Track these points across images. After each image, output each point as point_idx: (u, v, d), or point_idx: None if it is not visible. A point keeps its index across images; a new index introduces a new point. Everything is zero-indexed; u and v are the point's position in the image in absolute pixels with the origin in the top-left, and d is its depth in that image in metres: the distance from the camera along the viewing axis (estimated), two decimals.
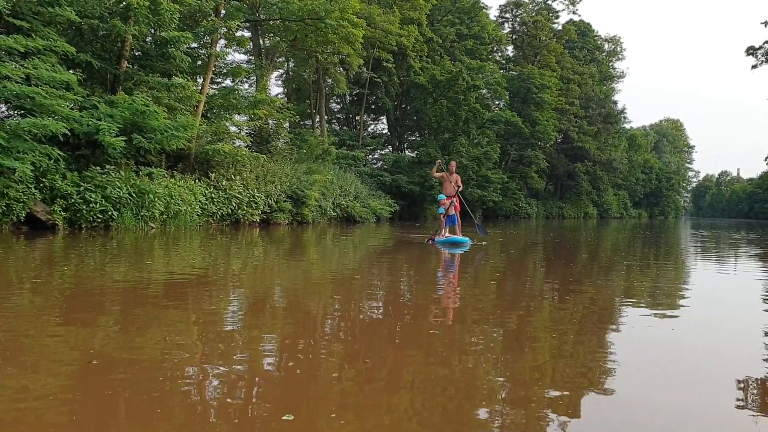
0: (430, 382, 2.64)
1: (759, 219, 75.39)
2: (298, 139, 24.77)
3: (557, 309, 4.74)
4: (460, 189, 12.13)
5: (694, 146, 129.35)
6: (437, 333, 3.66)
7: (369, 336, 3.57)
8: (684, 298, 5.56)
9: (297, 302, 4.85)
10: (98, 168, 12.37)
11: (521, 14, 54.77)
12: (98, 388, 2.42)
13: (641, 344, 3.49)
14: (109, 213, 12.08)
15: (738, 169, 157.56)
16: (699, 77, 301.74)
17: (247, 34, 23.73)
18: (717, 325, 4.20)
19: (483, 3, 43.62)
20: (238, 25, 18.28)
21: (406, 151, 38.01)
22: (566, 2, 56.21)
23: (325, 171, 21.66)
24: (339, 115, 39.01)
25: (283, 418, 2.14)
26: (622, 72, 72.79)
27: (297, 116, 27.17)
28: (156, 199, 12.93)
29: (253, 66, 23.30)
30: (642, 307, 4.80)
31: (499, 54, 53.05)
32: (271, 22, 22.60)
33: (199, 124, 16.08)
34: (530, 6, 55.40)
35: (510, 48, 54.77)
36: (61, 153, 11.45)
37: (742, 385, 2.67)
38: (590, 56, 63.55)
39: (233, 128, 19.74)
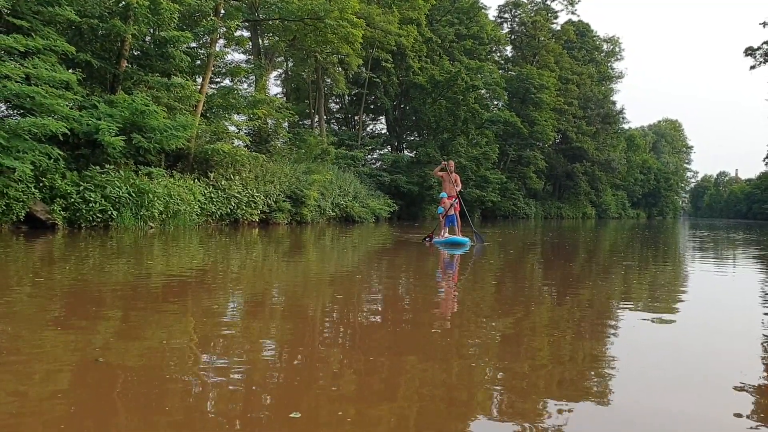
0: (433, 381, 2.66)
1: (757, 219, 75.54)
2: (297, 138, 24.79)
3: (557, 310, 4.76)
4: (460, 189, 12.09)
5: (692, 147, 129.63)
6: (439, 332, 3.68)
7: (371, 335, 3.59)
8: (683, 299, 5.59)
9: (298, 302, 4.87)
10: (98, 167, 12.38)
11: (520, 14, 54.84)
12: (103, 387, 2.44)
13: (641, 346, 3.51)
14: (109, 212, 12.09)
15: (736, 170, 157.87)
16: (698, 78, 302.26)
17: (246, 33, 23.74)
18: (717, 327, 4.23)
19: (482, 3, 43.67)
20: (237, 25, 18.29)
21: (405, 151, 38.05)
22: (565, 2, 56.32)
23: (324, 171, 21.68)
24: (338, 115, 39.03)
25: (290, 415, 2.16)
26: (621, 72, 73.07)
27: (296, 116, 27.18)
28: (155, 198, 12.94)
29: (252, 66, 23.31)
30: (642, 308, 4.83)
31: (498, 54, 53.13)
32: (271, 22, 22.61)
33: (199, 124, 16.10)
34: (529, 6, 55.47)
35: (509, 48, 54.85)
36: (61, 152, 11.46)
37: (741, 388, 2.69)
38: (589, 56, 63.64)
39: (232, 128, 19.76)
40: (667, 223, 52.24)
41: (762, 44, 46.41)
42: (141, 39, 15.50)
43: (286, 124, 25.55)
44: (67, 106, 11.65)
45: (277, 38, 23.51)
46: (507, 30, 54.67)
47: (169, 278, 5.91)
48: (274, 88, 35.76)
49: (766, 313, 4.74)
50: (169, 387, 2.48)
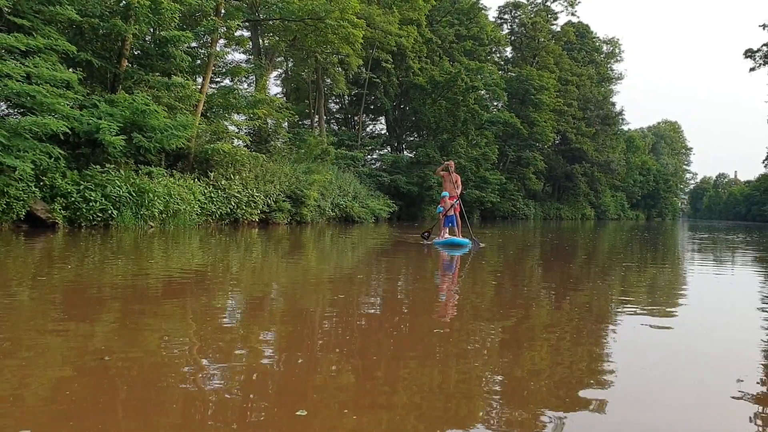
0: (437, 381, 2.68)
1: (756, 221, 75.63)
2: (297, 138, 24.81)
3: (557, 311, 4.78)
4: (461, 189, 12.06)
5: (691, 148, 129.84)
6: (442, 332, 3.70)
7: (373, 334, 3.60)
8: (682, 301, 5.61)
9: (300, 302, 4.88)
10: (98, 167, 12.39)
11: (520, 15, 54.90)
12: (112, 384, 2.45)
13: (641, 347, 3.53)
14: (109, 212, 12.10)
15: (735, 172, 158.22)
16: (697, 79, 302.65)
17: (246, 33, 23.76)
18: (716, 329, 4.25)
19: (482, 4, 43.76)
20: (238, 25, 18.31)
21: (405, 152, 38.08)
22: (565, 4, 56.38)
23: (324, 171, 21.70)
24: (338, 115, 39.05)
25: (297, 413, 2.18)
26: (621, 74, 73.06)
27: (296, 116, 27.21)
28: (155, 198, 12.96)
29: (252, 66, 23.33)
30: (641, 310, 4.85)
31: (498, 55, 53.20)
32: (271, 22, 22.63)
33: (199, 124, 16.11)
34: (529, 7, 55.53)
35: (508, 49, 54.93)
36: (62, 152, 11.47)
37: (739, 390, 2.71)
38: (589, 58, 63.73)
39: (232, 128, 19.78)
40: (666, 224, 52.32)
41: (762, 46, 46.53)
42: (142, 38, 15.51)
43: (286, 124, 25.58)
44: (67, 105, 11.66)
45: (278, 38, 23.53)
46: (507, 31, 54.76)
47: (170, 278, 5.93)
48: (274, 88, 35.84)
49: (764, 315, 4.76)
50: (176, 385, 2.50)
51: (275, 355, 3.11)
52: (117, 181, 12.35)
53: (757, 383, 2.80)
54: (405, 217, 31.59)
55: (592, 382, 2.79)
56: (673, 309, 4.98)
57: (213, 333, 3.53)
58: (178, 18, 14.97)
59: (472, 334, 3.73)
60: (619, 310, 4.83)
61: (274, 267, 7.67)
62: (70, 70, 12.46)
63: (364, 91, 33.38)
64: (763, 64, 46.95)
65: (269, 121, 22.21)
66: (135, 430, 2.03)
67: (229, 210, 16.28)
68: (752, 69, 47.72)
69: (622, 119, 67.67)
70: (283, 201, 18.56)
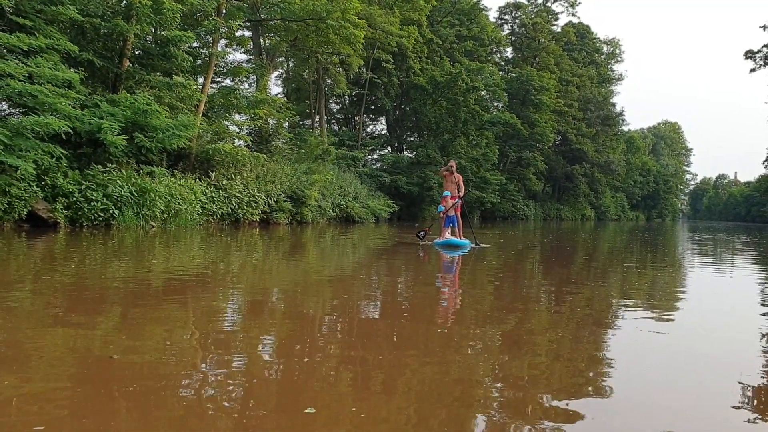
0: (441, 380, 2.70)
1: (756, 222, 75.66)
2: (297, 139, 24.82)
3: (558, 312, 4.80)
4: (462, 190, 12.03)
5: (691, 149, 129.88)
6: (445, 332, 3.72)
7: (376, 334, 3.62)
8: (682, 302, 5.64)
9: (306, 300, 4.90)
10: (100, 166, 12.41)
11: (520, 16, 54.92)
12: (120, 383, 2.47)
13: (641, 348, 3.55)
14: (111, 211, 12.12)
15: (735, 172, 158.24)
16: (697, 80, 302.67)
17: (247, 33, 23.79)
18: (716, 330, 4.27)
19: (482, 5, 43.78)
20: (239, 25, 18.33)
21: (405, 152, 38.10)
22: (565, 4, 56.39)
23: (325, 171, 21.72)
24: (338, 116, 39.07)
25: (306, 411, 2.21)
26: (621, 74, 73.16)
27: (297, 116, 27.23)
28: (157, 197, 12.98)
29: (253, 66, 23.35)
30: (641, 311, 4.87)
31: (498, 56, 53.23)
32: (272, 22, 22.65)
33: (200, 124, 16.13)
34: (529, 8, 55.55)
35: (509, 50, 54.94)
36: (63, 151, 11.48)
37: (739, 390, 2.73)
38: (589, 58, 63.77)
39: (233, 128, 19.79)
40: (666, 225, 52.31)
41: (762, 47, 46.54)
42: (143, 38, 15.54)
43: (286, 124, 25.60)
44: (69, 105, 11.67)
45: (279, 38, 23.55)
46: (507, 31, 54.77)
47: (172, 277, 5.95)
48: (275, 88, 35.80)
49: (764, 317, 4.78)
50: (186, 383, 2.52)
51: (282, 354, 3.13)
52: (118, 181, 12.37)
53: (757, 384, 2.82)
54: (405, 217, 31.61)
55: (592, 382, 2.81)
56: (672, 310, 5.00)
57: (220, 333, 3.55)
58: (179, 18, 14.99)
59: (473, 335, 3.75)
60: (619, 311, 4.85)
61: (275, 267, 7.69)
62: (72, 69, 12.47)
63: (364, 91, 33.40)
64: (764, 65, 46.96)
65: (270, 121, 22.24)
66: (148, 425, 2.06)
67: (230, 210, 16.31)
68: (752, 70, 47.74)
69: (623, 120, 67.73)
70: (284, 201, 18.58)
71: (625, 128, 74.53)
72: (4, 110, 12.69)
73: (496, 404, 2.44)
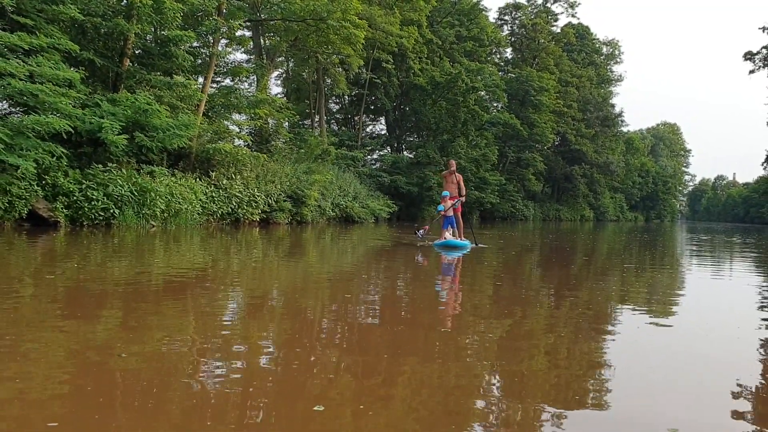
0: (445, 377, 2.72)
1: (754, 223, 75.77)
2: (297, 138, 24.84)
3: (557, 312, 4.83)
4: (463, 191, 12.03)
5: (690, 150, 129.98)
6: (447, 332, 3.74)
7: (382, 333, 3.65)
8: (681, 303, 5.66)
9: (312, 299, 4.93)
10: (100, 166, 12.43)
11: (520, 17, 54.98)
12: (129, 380, 2.49)
13: (641, 349, 3.57)
14: (111, 211, 12.13)
15: (734, 174, 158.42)
16: (696, 81, 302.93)
17: (247, 33, 23.80)
18: (715, 330, 4.30)
19: (482, 5, 43.80)
20: (240, 25, 18.34)
21: (405, 152, 38.12)
22: (565, 5, 56.47)
23: (325, 171, 21.74)
24: (338, 116, 39.08)
25: (315, 408, 2.24)
26: (620, 75, 73.19)
27: (296, 116, 27.24)
28: (157, 197, 12.99)
29: (253, 66, 23.36)
30: (641, 311, 4.90)
31: (498, 56, 53.28)
32: (273, 22, 22.66)
33: (200, 123, 16.14)
34: (529, 9, 55.62)
35: (509, 50, 55.01)
36: (64, 150, 11.49)
37: (738, 391, 2.76)
38: (588, 59, 63.85)
39: (234, 127, 19.80)
40: (664, 226, 52.38)
41: (761, 49, 46.63)
42: (144, 38, 15.55)
43: (286, 124, 25.61)
44: (70, 104, 11.68)
45: (279, 38, 23.56)
46: (507, 32, 54.82)
47: (174, 277, 5.97)
48: (275, 88, 35.80)
49: (762, 316, 4.81)
50: (196, 381, 2.55)
51: (289, 353, 3.15)
52: (119, 180, 12.38)
53: (757, 384, 2.84)
54: (405, 217, 31.63)
55: (592, 382, 2.84)
56: (672, 310, 5.02)
57: (225, 332, 3.58)
58: (180, 17, 15.00)
59: (475, 334, 3.78)
60: (619, 311, 4.88)
61: (275, 267, 7.71)
62: (73, 69, 12.49)
63: (364, 91, 33.42)
64: (763, 67, 47.07)
65: (270, 121, 22.25)
66: (157, 422, 2.08)
67: (230, 210, 16.32)
68: (752, 71, 47.87)
69: (622, 121, 67.79)
70: (284, 201, 18.59)
71: (625, 129, 74.61)
72: (5, 109, 12.69)
73: (496, 404, 2.46)
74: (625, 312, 4.81)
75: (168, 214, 13.53)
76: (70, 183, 11.75)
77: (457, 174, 12.13)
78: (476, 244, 11.42)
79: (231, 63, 22.40)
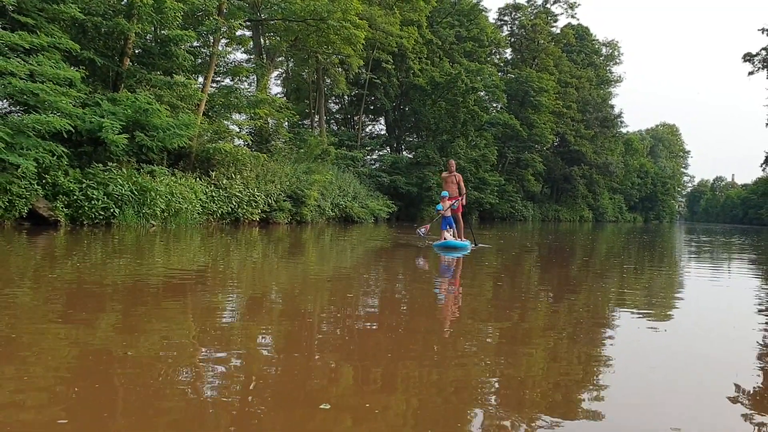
0: (446, 378, 2.74)
1: (753, 224, 75.84)
2: (297, 138, 24.85)
3: (557, 312, 4.85)
4: (463, 191, 12.03)
5: (689, 151, 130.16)
6: (447, 333, 3.76)
7: (384, 333, 3.66)
8: (680, 303, 5.68)
9: (313, 300, 4.94)
10: (100, 165, 12.44)
11: (520, 17, 55.01)
12: (137, 379, 2.51)
13: (640, 350, 3.59)
14: (111, 210, 12.14)
15: (733, 175, 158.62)
16: (696, 82, 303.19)
17: (247, 33, 23.79)
18: (714, 331, 4.32)
19: (482, 6, 43.85)
20: (240, 25, 18.36)
21: (404, 153, 38.14)
22: (565, 6, 56.53)
23: (325, 171, 21.75)
24: (337, 116, 39.09)
25: (321, 407, 2.26)
26: (620, 76, 73.21)
27: (296, 116, 27.24)
28: (157, 196, 13.01)
29: (253, 65, 23.37)
30: (640, 312, 4.92)
31: (498, 57, 53.30)
32: (273, 22, 22.67)
33: (200, 123, 16.15)
34: (529, 9, 55.65)
35: (508, 51, 55.03)
36: (64, 150, 11.50)
37: (738, 391, 2.77)
38: (588, 60, 63.91)
39: (234, 127, 19.81)
40: (663, 227, 52.43)
41: (761, 50, 46.70)
42: (144, 37, 15.55)
43: (286, 124, 25.61)
44: (70, 103, 11.69)
45: (279, 38, 23.57)
46: (507, 33, 54.86)
47: (176, 277, 5.98)
48: (275, 88, 35.80)
49: (761, 316, 4.83)
50: (203, 380, 2.56)
51: (295, 352, 3.17)
52: (119, 180, 12.39)
53: (757, 384, 2.86)
54: (404, 217, 31.64)
55: (592, 382, 2.86)
56: (671, 311, 5.05)
57: (227, 331, 3.59)
58: (180, 17, 15.02)
59: (476, 335, 3.80)
60: (618, 311, 4.90)
61: (283, 266, 7.72)
62: (73, 68, 12.50)
63: (364, 91, 33.43)
64: (762, 68, 47.13)
65: (270, 120, 22.25)
66: (170, 419, 2.10)
67: (230, 209, 16.33)
68: (751, 73, 47.93)
69: (621, 122, 67.88)
70: (284, 201, 18.60)
71: (624, 130, 74.73)
72: (6, 108, 12.70)
73: (494, 403, 2.48)
74: (624, 312, 4.83)
75: (168, 214, 13.54)
76: (71, 182, 11.76)
77: (456, 174, 12.15)
78: (476, 245, 11.45)
79: (231, 63, 22.41)
